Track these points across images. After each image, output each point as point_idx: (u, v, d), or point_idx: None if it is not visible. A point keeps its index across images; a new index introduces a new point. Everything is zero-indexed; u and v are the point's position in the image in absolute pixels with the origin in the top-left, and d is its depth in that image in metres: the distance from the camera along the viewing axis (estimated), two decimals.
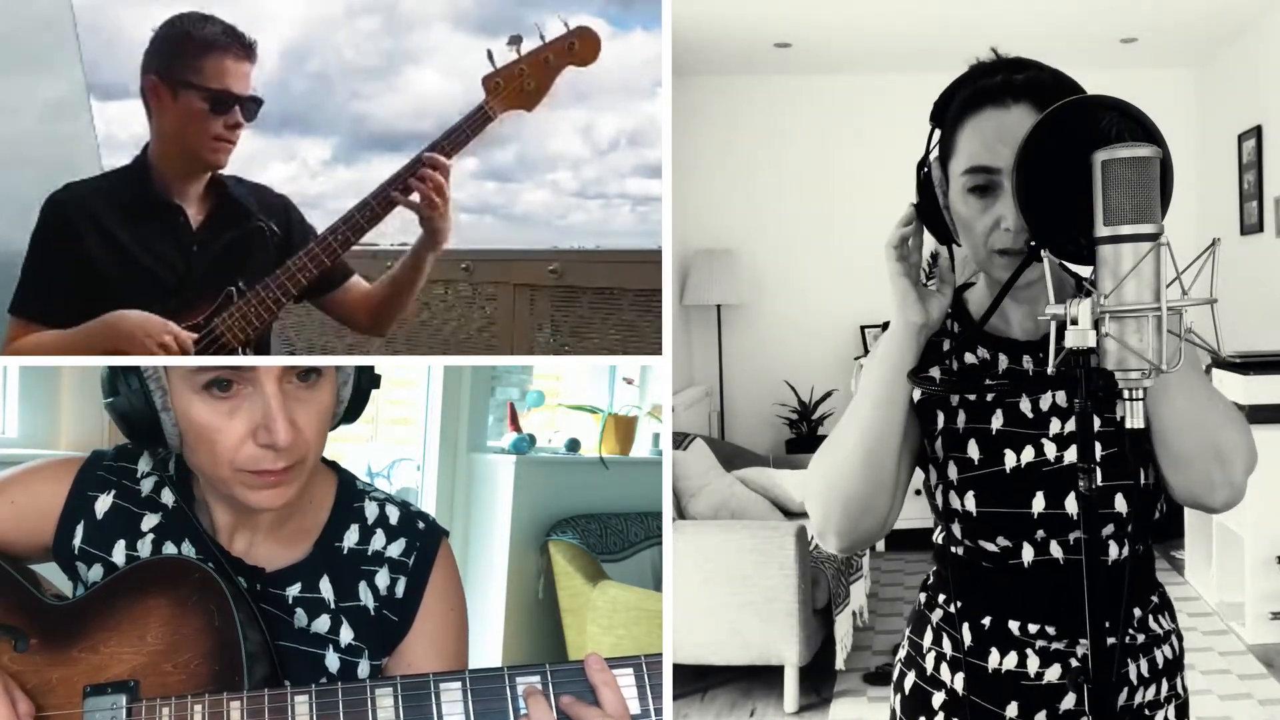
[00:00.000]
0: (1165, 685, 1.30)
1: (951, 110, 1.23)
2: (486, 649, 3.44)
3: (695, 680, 3.72)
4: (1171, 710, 1.30)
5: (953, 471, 1.25)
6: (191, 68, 1.79)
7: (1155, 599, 1.31)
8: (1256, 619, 3.99)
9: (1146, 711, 1.27)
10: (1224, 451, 1.15)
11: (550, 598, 3.49)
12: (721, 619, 3.49)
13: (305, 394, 1.23)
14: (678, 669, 3.58)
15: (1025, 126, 1.10)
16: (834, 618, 3.62)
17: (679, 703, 3.61)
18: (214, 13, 1.84)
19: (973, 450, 1.24)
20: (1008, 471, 1.22)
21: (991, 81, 1.19)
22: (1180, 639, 1.34)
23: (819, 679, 3.70)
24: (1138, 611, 1.28)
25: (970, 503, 1.23)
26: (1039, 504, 1.21)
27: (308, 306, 2.09)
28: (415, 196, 1.81)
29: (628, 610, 3.17)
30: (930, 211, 1.24)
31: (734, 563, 3.48)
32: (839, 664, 3.68)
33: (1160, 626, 1.31)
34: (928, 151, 1.26)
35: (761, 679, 3.67)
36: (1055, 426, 1.22)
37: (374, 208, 1.83)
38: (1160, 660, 1.29)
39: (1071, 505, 1.20)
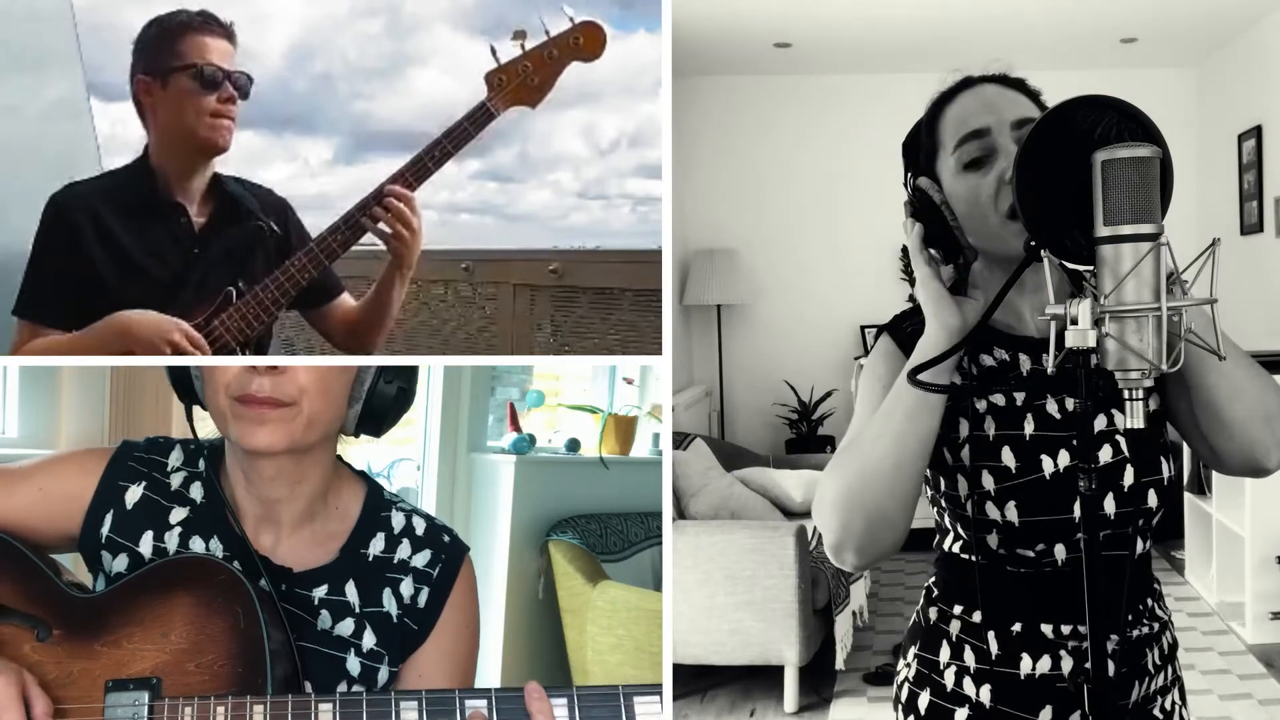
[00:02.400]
0: (1170, 670, 1.31)
1: (925, 119, 1.28)
2: (487, 649, 3.44)
3: (695, 680, 3.72)
4: (1176, 693, 1.32)
5: (988, 481, 1.20)
6: (173, 53, 1.82)
7: (1156, 586, 1.32)
8: (1256, 619, 3.99)
9: (1159, 697, 1.28)
10: (1271, 412, 1.18)
11: (550, 598, 3.49)
12: (721, 619, 3.49)
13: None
14: (678, 669, 3.58)
15: (1000, 96, 1.23)
16: (834, 618, 3.62)
17: (679, 703, 3.61)
18: (217, 13, 1.86)
19: (1008, 458, 1.20)
20: (1048, 478, 1.19)
21: (954, 81, 1.28)
22: (1173, 624, 1.35)
23: (819, 679, 3.70)
24: (1149, 601, 1.28)
25: (1012, 513, 1.20)
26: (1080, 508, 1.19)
27: None
28: (382, 225, 1.82)
29: (628, 610, 3.17)
30: (930, 226, 1.23)
31: (734, 563, 3.48)
32: (839, 664, 3.68)
33: (1164, 613, 1.32)
34: (906, 174, 1.29)
35: (761, 679, 3.67)
36: None
37: (374, 207, 1.83)
38: (1165, 646, 1.30)
39: (1109, 505, 1.20)
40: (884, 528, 1.16)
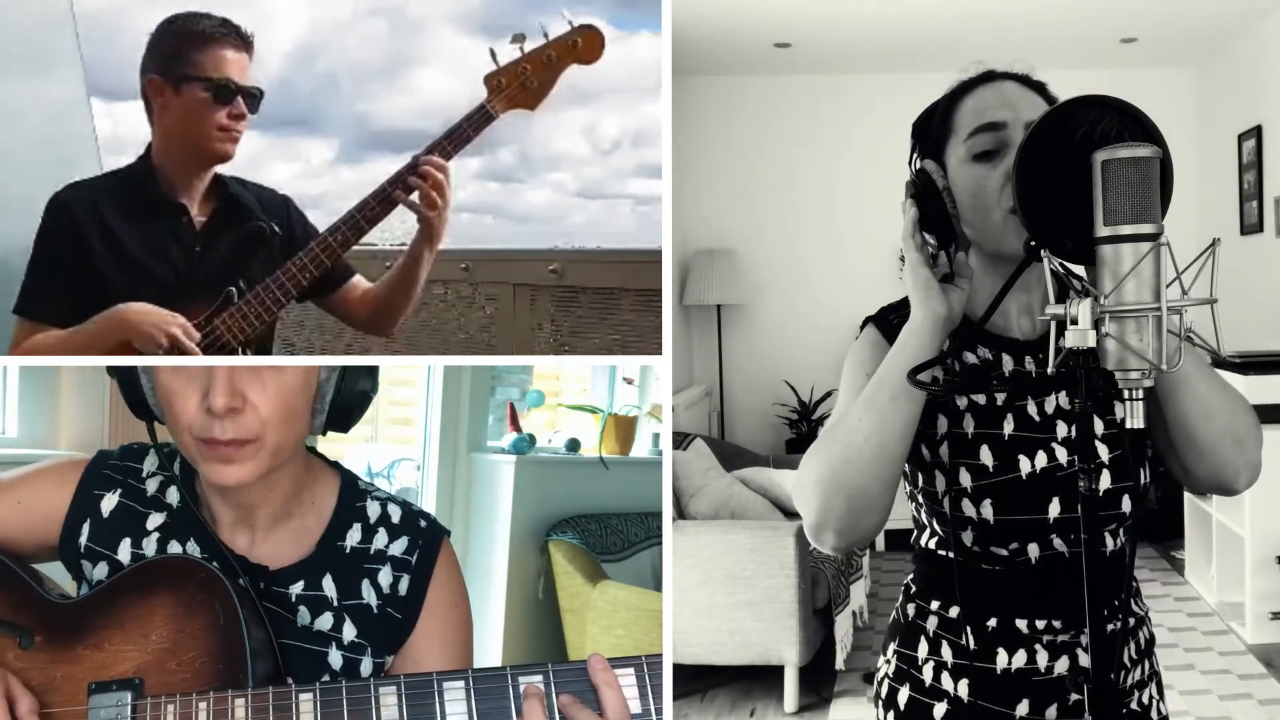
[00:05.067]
0: (1147, 664, 1.32)
1: (940, 105, 1.28)
2: (487, 649, 3.45)
3: (695, 680, 3.72)
4: (1154, 687, 1.33)
5: (965, 479, 1.22)
6: (191, 61, 1.81)
7: (1134, 583, 1.33)
8: (1256, 619, 3.99)
9: (1135, 691, 1.29)
10: (1241, 434, 1.19)
11: (550, 598, 3.50)
12: (721, 619, 3.49)
13: (264, 372, 1.23)
14: (678, 669, 3.58)
15: (1020, 96, 1.23)
16: (834, 618, 3.62)
17: (679, 703, 3.62)
18: (221, 13, 1.85)
19: (986, 456, 1.21)
20: (1024, 478, 1.21)
21: (976, 72, 1.28)
22: (1150, 619, 1.36)
23: (819, 679, 3.70)
24: (1123, 596, 1.28)
25: (988, 510, 1.21)
26: (1055, 509, 1.20)
27: (307, 308, 2.09)
28: (415, 196, 1.82)
29: (628, 610, 3.17)
30: (928, 211, 1.23)
31: (734, 563, 3.48)
32: (839, 664, 3.68)
33: (1140, 609, 1.33)
34: (913, 154, 1.30)
35: (761, 679, 3.68)
36: (1062, 430, 1.22)
37: (374, 207, 1.83)
38: (1143, 641, 1.31)
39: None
40: (865, 510, 1.16)
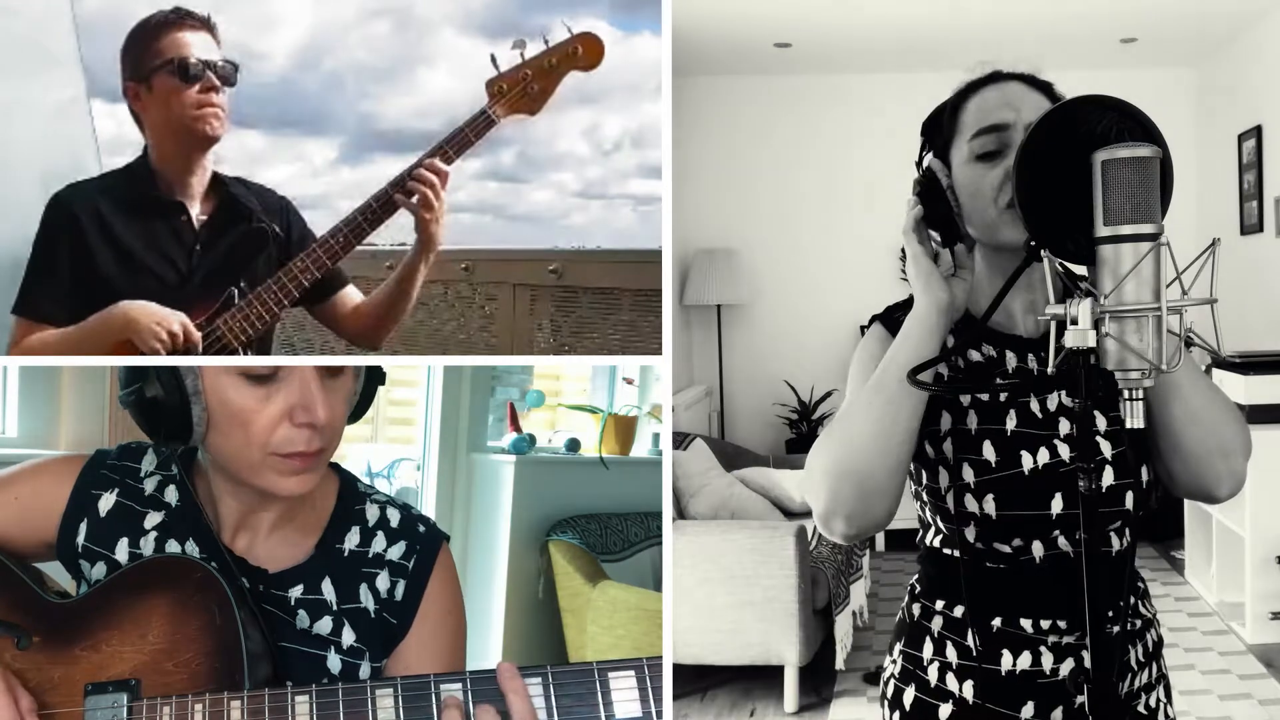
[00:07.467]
0: (1155, 667, 1.32)
1: (948, 105, 1.29)
2: (487, 649, 3.45)
3: (695, 680, 3.72)
4: (1161, 690, 1.33)
5: (968, 474, 1.22)
6: (153, 51, 1.83)
7: (1140, 585, 1.33)
8: (1256, 619, 3.99)
9: (1143, 694, 1.29)
10: (1227, 445, 1.19)
11: (550, 598, 3.50)
12: (721, 619, 3.49)
13: (332, 383, 1.26)
14: (678, 669, 3.58)
15: (1023, 96, 1.23)
16: (834, 618, 3.62)
17: (679, 703, 3.62)
18: (223, 16, 1.87)
19: (989, 452, 1.22)
20: (1026, 473, 1.21)
21: (982, 73, 1.28)
22: (1159, 622, 1.36)
23: (819, 679, 3.70)
24: (1131, 599, 1.29)
25: (990, 506, 1.21)
26: (1057, 505, 1.20)
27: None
28: (414, 198, 1.82)
29: (628, 610, 3.17)
30: (933, 209, 1.23)
31: (734, 563, 3.48)
32: (839, 664, 3.68)
33: (1148, 610, 1.33)
34: (922, 153, 1.30)
35: (761, 679, 3.68)
36: (1065, 427, 1.23)
37: (375, 210, 1.83)
38: (1150, 643, 1.31)
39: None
40: (875, 496, 1.17)
